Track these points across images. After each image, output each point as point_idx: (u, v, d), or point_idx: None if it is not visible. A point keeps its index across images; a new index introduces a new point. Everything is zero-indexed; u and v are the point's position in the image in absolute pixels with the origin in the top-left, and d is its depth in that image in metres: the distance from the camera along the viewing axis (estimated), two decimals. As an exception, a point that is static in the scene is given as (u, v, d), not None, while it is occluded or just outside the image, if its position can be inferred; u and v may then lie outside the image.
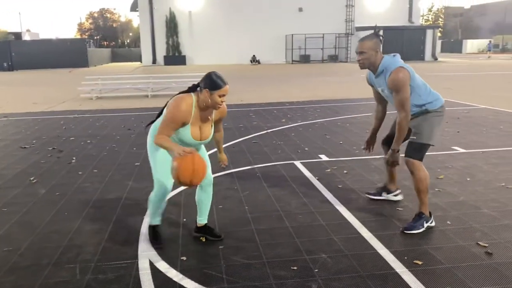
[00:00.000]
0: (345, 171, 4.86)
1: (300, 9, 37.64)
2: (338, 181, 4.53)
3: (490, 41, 46.18)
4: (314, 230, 3.32)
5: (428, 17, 75.47)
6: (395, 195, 3.89)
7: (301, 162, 5.28)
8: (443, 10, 78.13)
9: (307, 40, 37.03)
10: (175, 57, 36.39)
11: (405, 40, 34.97)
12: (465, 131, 6.99)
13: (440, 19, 76.30)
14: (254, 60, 36.85)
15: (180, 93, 2.88)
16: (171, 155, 2.71)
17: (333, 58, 37.71)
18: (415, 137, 3.31)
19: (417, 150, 3.29)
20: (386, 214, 3.61)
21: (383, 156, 5.48)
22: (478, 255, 2.87)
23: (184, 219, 3.60)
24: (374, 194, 3.97)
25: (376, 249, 2.99)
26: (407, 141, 3.40)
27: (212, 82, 2.75)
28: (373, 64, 3.28)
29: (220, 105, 2.80)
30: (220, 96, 2.77)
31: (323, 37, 37.40)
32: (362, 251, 2.97)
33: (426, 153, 3.35)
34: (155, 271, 2.77)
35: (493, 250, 2.93)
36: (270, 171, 4.92)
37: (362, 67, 3.33)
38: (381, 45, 3.31)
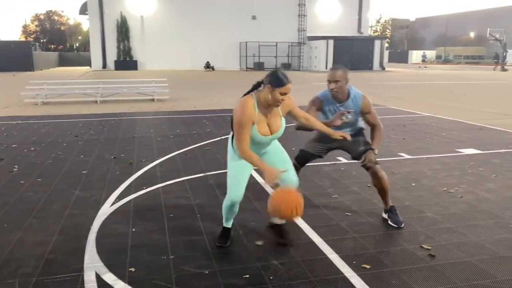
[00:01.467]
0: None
1: (254, 17, 38.06)
2: (290, 187, 4.57)
3: (424, 53, 48.82)
4: (266, 237, 3.33)
5: (376, 28, 78.52)
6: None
7: (254, 169, 5.28)
8: (390, 22, 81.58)
9: (260, 47, 37.44)
10: (126, 62, 35.60)
11: (354, 50, 36.15)
12: (410, 138, 7.30)
13: (388, 31, 79.62)
14: (208, 66, 36.75)
15: (244, 95, 2.98)
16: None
17: (286, 66, 38.33)
18: (369, 146, 3.65)
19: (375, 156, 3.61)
20: (336, 219, 3.68)
21: (333, 162, 5.61)
22: (422, 258, 2.99)
23: (133, 229, 3.50)
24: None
25: (326, 254, 3.04)
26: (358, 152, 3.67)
27: (276, 79, 2.83)
28: (343, 92, 3.50)
29: (280, 102, 2.88)
30: (281, 94, 2.85)
31: (276, 45, 37.96)
32: (313, 256, 3.01)
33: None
34: (101, 284, 2.66)
35: (436, 252, 3.06)
36: (223, 179, 4.89)
37: (335, 95, 3.51)
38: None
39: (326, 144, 3.82)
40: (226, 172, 5.17)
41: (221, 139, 7.22)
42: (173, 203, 4.08)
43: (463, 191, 4.43)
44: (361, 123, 3.77)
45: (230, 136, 3.17)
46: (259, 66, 37.15)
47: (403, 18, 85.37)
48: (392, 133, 7.62)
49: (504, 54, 37.87)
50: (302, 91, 16.67)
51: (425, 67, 40.65)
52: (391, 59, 61.85)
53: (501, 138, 7.21)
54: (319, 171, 5.20)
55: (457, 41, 70.39)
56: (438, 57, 63.78)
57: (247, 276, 2.75)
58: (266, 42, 37.43)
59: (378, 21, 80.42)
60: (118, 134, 7.72)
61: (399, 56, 64.90)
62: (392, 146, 6.58)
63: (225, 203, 3.17)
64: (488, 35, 39.54)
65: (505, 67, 36.52)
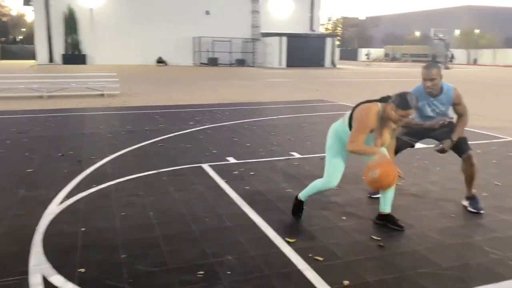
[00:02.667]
0: (251, 173, 4.94)
1: (207, 12, 37.74)
2: (245, 183, 4.59)
3: (368, 51, 50.62)
4: (221, 233, 3.32)
5: (328, 26, 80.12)
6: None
7: (209, 165, 5.26)
8: (341, 20, 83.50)
9: (215, 43, 37.20)
10: (74, 56, 34.23)
11: (307, 47, 36.70)
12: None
13: (339, 29, 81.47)
14: (160, 61, 36.05)
15: (367, 101, 3.20)
16: (366, 159, 3.24)
17: (241, 62, 38.34)
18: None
19: (468, 143, 3.89)
20: (290, 213, 3.73)
21: (287, 157, 5.68)
22: (372, 248, 3.10)
23: (83, 228, 3.37)
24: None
25: (280, 248, 3.08)
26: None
27: (403, 101, 3.00)
28: (438, 88, 3.77)
29: (398, 122, 3.11)
30: (402, 116, 3.03)
31: (230, 41, 37.85)
32: (267, 251, 3.04)
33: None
34: (48, 287, 2.55)
35: (385, 243, 3.18)
36: (177, 175, 4.83)
37: (431, 92, 3.77)
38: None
39: (418, 135, 4.04)
40: (179, 168, 5.12)
41: (174, 135, 7.11)
42: (125, 201, 3.98)
43: (410, 183, 4.63)
44: (451, 114, 3.99)
45: (336, 126, 3.40)
46: (213, 62, 36.90)
47: (353, 17, 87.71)
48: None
49: (448, 53, 39.79)
50: (255, 88, 16.75)
51: (368, 64, 42.18)
52: (342, 57, 63.35)
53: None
54: (273, 167, 5.25)
55: (404, 40, 73.18)
56: (386, 55, 66.08)
57: (202, 272, 2.73)
58: (220, 38, 37.23)
59: (329, 19, 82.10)
60: (66, 130, 7.42)
61: (350, 54, 66.64)
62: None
63: (321, 186, 3.44)
64: (432, 35, 41.46)
65: (448, 65, 38.41)
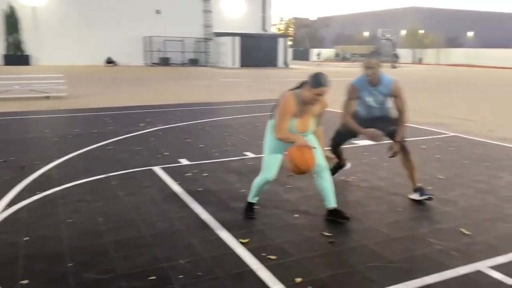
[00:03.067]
0: (205, 174, 4.90)
1: (158, 11, 37.05)
2: (198, 184, 4.54)
3: (319, 51, 51.75)
4: (173, 236, 3.27)
5: (280, 26, 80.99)
6: (347, 166, 4.68)
7: (160, 168, 5.16)
8: (292, 21, 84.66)
9: (166, 43, 36.60)
10: (16, 57, 32.51)
11: (260, 47, 36.92)
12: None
13: (291, 29, 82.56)
14: (109, 61, 35.01)
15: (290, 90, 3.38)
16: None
17: (194, 62, 37.96)
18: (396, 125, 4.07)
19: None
20: (243, 213, 3.73)
21: (241, 157, 5.68)
22: (323, 245, 3.15)
23: (26, 238, 3.20)
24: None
25: (233, 248, 3.07)
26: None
27: (316, 80, 3.18)
28: (377, 77, 3.95)
29: (314, 101, 3.25)
30: (316, 94, 3.18)
31: (182, 40, 37.40)
32: (220, 252, 3.02)
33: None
34: (-13, 302, 2.40)
35: (335, 239, 3.25)
36: (127, 179, 4.70)
37: (371, 80, 3.96)
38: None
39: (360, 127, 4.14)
40: (129, 172, 4.99)
41: (124, 137, 6.92)
42: (71, 208, 3.82)
43: (359, 179, 4.76)
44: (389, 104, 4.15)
45: (270, 123, 3.54)
46: (164, 62, 36.28)
47: (304, 18, 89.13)
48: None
49: (394, 52, 41.35)
50: (209, 88, 16.65)
51: (318, 64, 43.18)
52: (295, 57, 64.26)
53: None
54: (227, 167, 5.23)
55: (353, 40, 75.26)
56: (337, 55, 67.72)
57: (153, 277, 2.67)
58: (172, 37, 36.67)
59: (281, 20, 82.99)
60: (8, 135, 7.03)
61: (302, 54, 67.68)
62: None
63: (259, 181, 3.55)
64: (380, 35, 42.94)
65: (395, 64, 39.92)
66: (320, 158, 3.48)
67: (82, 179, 4.65)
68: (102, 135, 7.09)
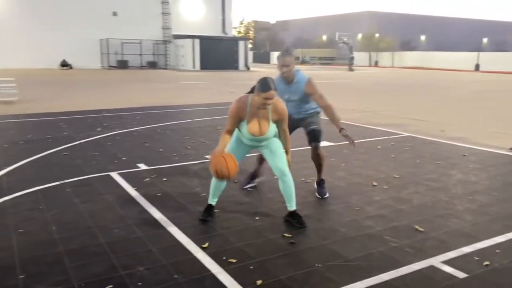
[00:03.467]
0: (164, 179, 4.82)
1: (115, 13, 36.27)
2: (157, 189, 4.46)
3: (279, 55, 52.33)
4: (131, 244, 3.19)
5: (240, 29, 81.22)
6: (259, 180, 4.63)
7: (118, 173, 5.03)
8: (252, 24, 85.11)
9: (124, 45, 35.89)
10: (-37, 59, 30.89)
11: (220, 50, 36.88)
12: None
13: (251, 32, 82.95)
14: (64, 64, 33.89)
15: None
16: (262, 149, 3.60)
17: (153, 65, 37.40)
18: (316, 127, 4.23)
19: (320, 137, 4.24)
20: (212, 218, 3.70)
21: (202, 161, 5.64)
22: (284, 246, 3.18)
23: (-27, 251, 3.04)
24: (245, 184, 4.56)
25: (193, 253, 3.04)
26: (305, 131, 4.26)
27: (263, 84, 3.22)
28: (292, 74, 4.03)
29: (264, 106, 3.29)
30: (264, 98, 3.22)
31: (140, 43, 36.77)
32: (180, 257, 2.98)
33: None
34: None
35: (295, 239, 3.28)
36: (82, 185, 4.55)
37: (286, 76, 4.02)
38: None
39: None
40: (85, 178, 4.85)
41: (80, 143, 6.71)
42: (23, 217, 3.65)
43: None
44: (317, 107, 4.27)
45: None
46: (122, 65, 35.55)
47: (264, 21, 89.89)
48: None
49: (351, 56, 42.40)
50: (169, 91, 16.43)
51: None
52: (255, 60, 64.69)
53: (349, 131, 8.05)
54: (187, 171, 5.17)
55: (312, 44, 76.58)
56: (297, 58, 68.66)
57: (111, 286, 2.60)
58: (130, 40, 35.99)
59: (241, 23, 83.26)
60: (-47, 142, 6.65)
61: (262, 57, 68.26)
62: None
63: (213, 180, 3.62)
64: (337, 38, 43.92)
65: (352, 67, 40.93)
66: (282, 162, 3.52)
67: (34, 187, 4.46)
68: (56, 140, 6.84)
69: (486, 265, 2.91)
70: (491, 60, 47.19)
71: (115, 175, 4.96)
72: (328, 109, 4.02)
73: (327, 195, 4.26)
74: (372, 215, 3.84)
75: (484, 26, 55.79)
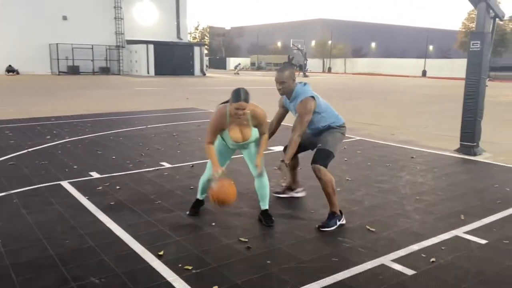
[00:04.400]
0: (118, 187, 4.71)
1: (65, 18, 35.10)
2: (110, 198, 4.36)
3: (239, 61, 52.62)
4: (83, 254, 3.10)
5: (195, 35, 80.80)
6: (297, 192, 4.45)
7: (69, 182, 4.87)
8: (208, 30, 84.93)
9: (75, 50, 34.77)
10: None
11: (175, 56, 36.52)
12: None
13: (206, 38, 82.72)
14: (10, 70, 32.35)
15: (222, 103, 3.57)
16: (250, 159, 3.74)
17: (105, 70, 36.46)
18: (321, 145, 3.75)
19: (324, 158, 3.70)
20: (159, 225, 3.65)
21: (156, 168, 5.57)
22: (240, 251, 3.20)
23: None
24: (279, 193, 4.46)
25: (148, 262, 2.99)
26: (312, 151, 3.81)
27: (235, 95, 3.34)
28: (291, 91, 3.73)
29: (237, 115, 3.37)
30: (236, 109, 3.32)
31: (92, 48, 35.76)
32: (134, 266, 2.93)
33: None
34: None
35: (252, 244, 3.30)
36: (31, 196, 4.37)
37: (282, 94, 3.81)
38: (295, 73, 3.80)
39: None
40: (34, 188, 4.66)
41: (28, 151, 6.43)
42: (-35, 231, 3.46)
43: (273, 184, 4.88)
44: (330, 123, 3.82)
45: None
46: (73, 70, 34.41)
47: (219, 27, 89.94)
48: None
49: (305, 62, 43.24)
50: (122, 97, 16.08)
51: (236, 73, 43.92)
52: (211, 65, 64.53)
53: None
54: (142, 179, 5.08)
55: (267, 50, 77.40)
56: (253, 64, 69.14)
57: (61, 299, 2.51)
58: (81, 45, 34.90)
59: (196, 28, 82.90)
60: None
61: (218, 63, 68.16)
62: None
63: (204, 179, 3.82)
64: (291, 45, 44.66)
65: (307, 73, 41.73)
66: (253, 165, 3.70)
67: (-23, 198, 4.23)
68: (2, 149, 6.52)
69: (432, 261, 3.06)
70: (436, 66, 49.62)
71: (65, 184, 4.80)
72: (292, 133, 3.69)
73: (329, 229, 3.60)
74: (325, 217, 3.93)
75: (430, 34, 58.64)
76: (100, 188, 4.68)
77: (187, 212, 3.91)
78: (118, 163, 5.83)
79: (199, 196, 3.97)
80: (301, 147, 3.94)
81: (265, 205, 3.78)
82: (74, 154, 6.33)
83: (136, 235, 3.43)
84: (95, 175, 5.20)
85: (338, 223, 3.67)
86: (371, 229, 3.64)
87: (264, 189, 3.75)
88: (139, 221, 3.75)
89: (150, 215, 3.89)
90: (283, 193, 4.50)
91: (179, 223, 3.71)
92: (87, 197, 4.34)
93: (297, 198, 4.45)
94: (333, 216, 3.68)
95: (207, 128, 3.59)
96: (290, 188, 4.51)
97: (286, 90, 3.73)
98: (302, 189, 4.54)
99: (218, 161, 3.55)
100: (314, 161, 3.71)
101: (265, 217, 3.73)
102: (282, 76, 3.67)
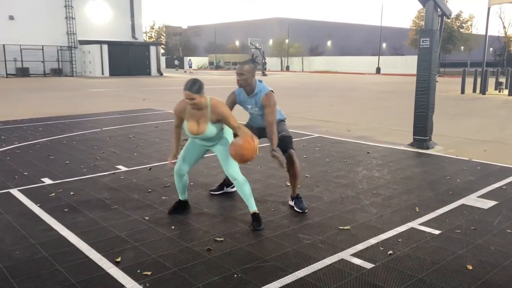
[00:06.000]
0: (72, 193, 4.53)
1: (11, 17, 33.52)
2: (64, 204, 4.18)
3: (189, 60, 52.15)
4: (35, 265, 2.95)
5: (151, 34, 79.35)
6: (232, 187, 4.55)
7: (18, 190, 4.63)
8: (164, 29, 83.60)
9: (23, 51, 33.30)
10: None
11: (130, 56, 35.73)
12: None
13: (162, 37, 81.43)
14: (-47, 73, 30.54)
15: None
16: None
17: (57, 72, 35.14)
18: (284, 133, 4.04)
19: (291, 142, 4.05)
20: (115, 231, 3.54)
21: (112, 172, 5.41)
22: (200, 253, 3.15)
23: None
24: (215, 190, 4.53)
25: (105, 269, 2.89)
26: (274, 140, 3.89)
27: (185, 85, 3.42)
28: (250, 85, 3.87)
29: (191, 105, 3.48)
30: (185, 98, 3.43)
31: (42, 49, 34.37)
32: (91, 275, 2.82)
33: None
34: None
35: (212, 246, 3.27)
36: (-23, 206, 4.12)
37: (240, 86, 3.90)
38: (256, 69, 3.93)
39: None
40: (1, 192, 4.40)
41: (-27, 159, 6.07)
42: None
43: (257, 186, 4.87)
44: (281, 117, 4.20)
45: None
46: (23, 72, 32.95)
47: (176, 26, 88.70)
48: (171, 136, 7.82)
49: (264, 61, 43.44)
50: (75, 99, 15.53)
51: (191, 72, 43.53)
52: (169, 65, 63.63)
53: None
54: (97, 183, 4.92)
55: (225, 49, 77.25)
56: (211, 63, 68.76)
57: (11, 314, 2.38)
58: (30, 46, 33.45)
59: (152, 27, 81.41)
60: None
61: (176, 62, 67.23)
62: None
63: (175, 175, 3.84)
64: (249, 44, 44.74)
65: (265, 72, 41.95)
66: (232, 168, 3.67)
67: None
68: None
69: (390, 254, 3.14)
70: (390, 63, 51.24)
71: (15, 192, 4.56)
72: (270, 127, 3.84)
73: (307, 210, 4.00)
74: (287, 214, 3.96)
75: (383, 32, 60.44)
76: (53, 194, 4.48)
77: (168, 211, 3.95)
78: (71, 168, 5.61)
79: (181, 197, 3.99)
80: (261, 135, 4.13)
81: (251, 207, 3.68)
82: (24, 160, 6.04)
83: (92, 242, 3.31)
84: (47, 181, 4.98)
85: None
86: (330, 224, 3.69)
87: (243, 192, 3.65)
88: (95, 227, 3.62)
89: (106, 221, 3.76)
90: (218, 190, 4.56)
91: (137, 228, 3.61)
92: (38, 205, 4.15)
93: (258, 198, 4.44)
94: (300, 197, 4.08)
95: None
96: (224, 184, 4.59)
97: (244, 83, 3.87)
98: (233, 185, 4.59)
99: (185, 158, 3.77)
100: (286, 148, 4.01)
101: (252, 221, 3.64)
102: (242, 68, 3.85)
